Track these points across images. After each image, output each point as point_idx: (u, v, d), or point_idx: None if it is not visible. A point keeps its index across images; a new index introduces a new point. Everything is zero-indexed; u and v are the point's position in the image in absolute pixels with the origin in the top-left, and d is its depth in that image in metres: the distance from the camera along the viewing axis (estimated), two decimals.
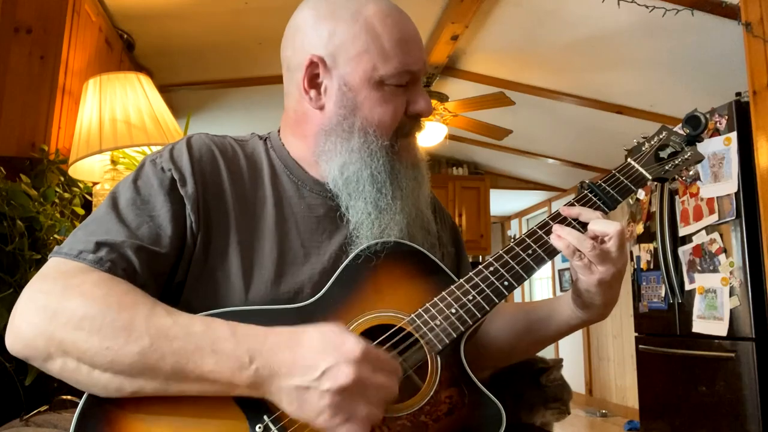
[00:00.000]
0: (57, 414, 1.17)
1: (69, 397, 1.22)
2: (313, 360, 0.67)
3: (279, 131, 0.98)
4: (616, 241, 0.83)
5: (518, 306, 1.06)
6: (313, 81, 0.89)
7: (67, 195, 1.84)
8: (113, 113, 1.99)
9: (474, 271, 0.85)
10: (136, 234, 0.78)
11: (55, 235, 1.54)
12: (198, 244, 0.81)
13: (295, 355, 0.67)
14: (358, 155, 0.87)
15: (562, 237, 0.86)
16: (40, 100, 2.10)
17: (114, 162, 2.05)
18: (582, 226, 0.89)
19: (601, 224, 0.85)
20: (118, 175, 2.04)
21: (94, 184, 2.09)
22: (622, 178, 0.98)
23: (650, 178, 0.98)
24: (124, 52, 2.97)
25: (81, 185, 1.98)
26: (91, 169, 2.12)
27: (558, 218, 0.91)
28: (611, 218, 0.90)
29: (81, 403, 0.70)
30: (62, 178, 1.97)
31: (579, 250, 0.84)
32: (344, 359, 0.66)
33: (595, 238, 0.85)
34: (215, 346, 0.68)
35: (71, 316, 0.68)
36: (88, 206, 1.95)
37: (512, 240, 0.90)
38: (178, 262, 0.81)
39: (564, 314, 0.95)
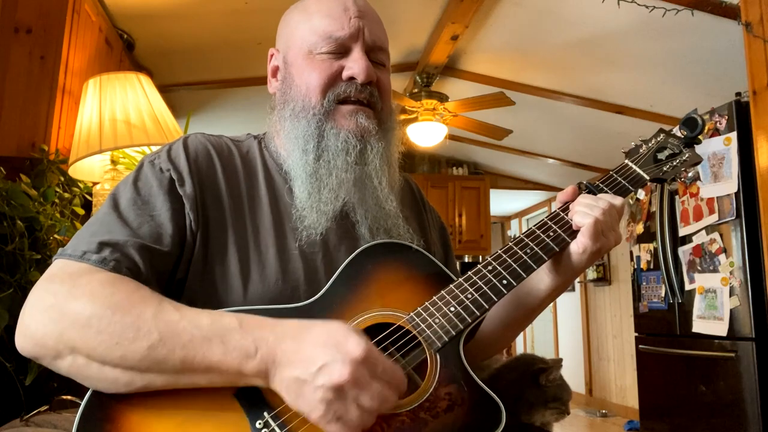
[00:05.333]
0: (57, 414, 1.17)
1: (69, 397, 1.22)
2: (313, 354, 0.67)
3: None
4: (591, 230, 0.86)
5: None
6: (274, 72, 0.99)
7: (67, 195, 1.84)
8: (113, 113, 1.99)
9: (473, 270, 0.86)
10: (138, 233, 0.79)
11: (55, 235, 1.54)
12: (198, 242, 0.83)
13: (298, 347, 0.68)
14: (290, 121, 0.91)
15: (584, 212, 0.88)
16: (40, 100, 2.10)
17: (114, 162, 2.05)
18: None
19: (579, 216, 0.88)
20: (118, 175, 2.04)
21: (94, 184, 2.09)
22: (619, 179, 0.98)
23: (648, 178, 0.99)
24: (124, 52, 2.97)
25: (81, 185, 1.98)
26: (91, 169, 2.12)
27: (556, 218, 0.92)
28: None
29: (83, 402, 0.70)
30: (62, 178, 1.97)
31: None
32: (342, 357, 0.66)
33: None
34: (223, 337, 0.69)
35: (79, 315, 0.69)
36: (88, 206, 1.95)
37: (511, 240, 0.90)
38: (179, 261, 0.82)
39: (542, 285, 0.95)
